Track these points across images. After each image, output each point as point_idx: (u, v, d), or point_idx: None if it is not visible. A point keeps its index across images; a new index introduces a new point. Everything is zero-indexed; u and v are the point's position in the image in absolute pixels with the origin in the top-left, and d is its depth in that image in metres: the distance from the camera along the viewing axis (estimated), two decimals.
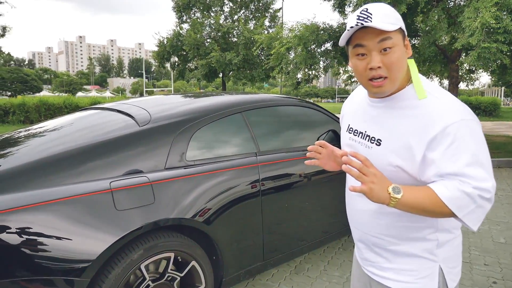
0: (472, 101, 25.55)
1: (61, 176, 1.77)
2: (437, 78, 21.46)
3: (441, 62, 11.60)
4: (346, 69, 11.33)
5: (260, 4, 19.51)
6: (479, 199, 0.95)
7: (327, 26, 9.93)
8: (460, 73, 11.66)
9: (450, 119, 0.98)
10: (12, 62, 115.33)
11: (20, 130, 2.60)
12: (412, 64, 1.10)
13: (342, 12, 10.11)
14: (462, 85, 18.02)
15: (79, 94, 67.73)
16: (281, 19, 19.63)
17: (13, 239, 1.56)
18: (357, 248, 1.35)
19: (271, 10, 19.73)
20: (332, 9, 10.64)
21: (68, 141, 1.99)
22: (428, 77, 23.24)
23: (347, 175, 1.29)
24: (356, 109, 1.26)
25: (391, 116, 1.11)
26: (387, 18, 1.01)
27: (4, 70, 58.56)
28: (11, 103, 17.33)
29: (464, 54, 9.47)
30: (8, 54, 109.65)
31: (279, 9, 19.85)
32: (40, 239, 1.61)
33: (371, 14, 1.00)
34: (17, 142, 2.21)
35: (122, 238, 1.77)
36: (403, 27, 1.06)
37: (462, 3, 8.47)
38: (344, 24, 10.56)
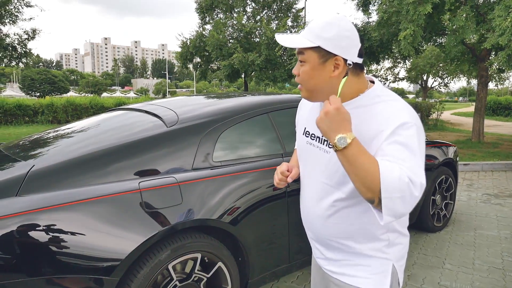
0: (501, 101, 24.67)
1: (90, 176, 1.80)
2: (465, 77, 20.84)
3: (469, 61, 11.25)
4: (370, 69, 11.13)
5: (283, 4, 19.43)
6: (407, 191, 0.93)
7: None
8: (489, 72, 11.26)
9: (400, 120, 1.03)
10: (40, 64, 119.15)
11: (49, 130, 2.66)
12: (341, 84, 1.10)
13: (366, 11, 9.95)
14: (491, 85, 17.40)
15: (104, 94, 69.38)
16: (303, 19, 19.49)
17: (44, 237, 1.59)
18: (314, 249, 1.39)
19: (293, 10, 19.62)
20: (356, 8, 10.50)
21: (97, 141, 2.03)
22: (455, 77, 22.62)
23: (301, 178, 1.39)
24: (312, 113, 1.30)
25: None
26: (308, 35, 1.09)
27: (34, 71, 60.61)
28: (40, 103, 17.89)
29: (493, 53, 9.15)
30: (37, 56, 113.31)
31: (302, 8, 19.72)
32: (70, 238, 1.63)
33: (306, 27, 1.14)
34: (48, 142, 2.26)
35: (150, 238, 1.78)
36: (330, 48, 1.07)
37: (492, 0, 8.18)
38: (369, 22, 10.40)
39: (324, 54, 1.07)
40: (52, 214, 1.62)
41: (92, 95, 57.01)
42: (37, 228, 1.58)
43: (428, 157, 3.72)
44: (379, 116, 1.06)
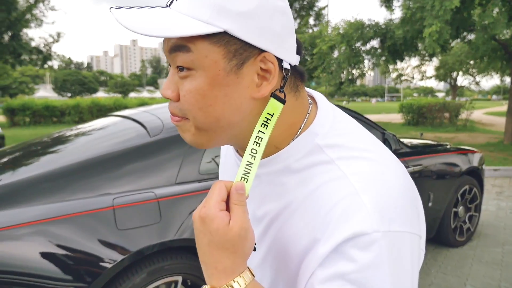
0: None
1: (59, 192, 1.66)
2: (498, 75, 19.84)
3: (502, 58, 10.62)
4: (395, 67, 10.72)
5: (305, 3, 19.12)
6: None
7: (373, 22, 9.42)
8: None
9: (355, 226, 0.49)
10: (72, 66, 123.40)
11: (29, 141, 2.55)
12: (272, 109, 0.54)
13: (389, 7, 9.55)
14: None
15: (132, 94, 70.95)
16: (326, 17, 19.12)
17: (6, 257, 1.46)
18: None
19: (316, 9, 19.28)
20: (380, 4, 10.12)
21: (71, 153, 1.90)
22: (487, 74, 21.52)
23: None
24: (227, 167, 0.77)
25: (263, 195, 0.62)
26: (199, 9, 0.49)
27: (65, 73, 62.73)
28: (67, 104, 18.36)
29: None
30: (69, 58, 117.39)
31: (325, 6, 19.35)
32: (33, 260, 1.50)
33: None
34: (22, 155, 2.15)
35: (121, 261, 1.62)
36: (251, 36, 0.51)
37: None
38: (392, 20, 10.00)
39: (237, 49, 0.51)
40: (15, 232, 1.49)
41: (120, 95, 58.52)
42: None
43: (450, 165, 3.41)
44: (315, 204, 0.54)
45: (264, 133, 0.53)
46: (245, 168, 0.53)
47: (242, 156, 0.63)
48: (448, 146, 3.70)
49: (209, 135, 0.56)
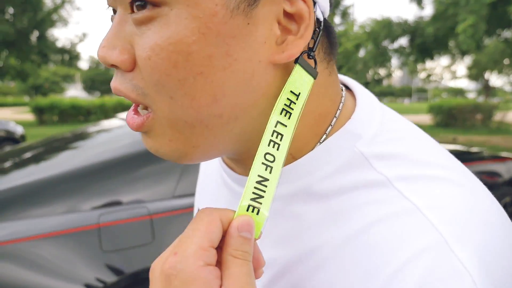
0: None
1: (43, 205, 1.48)
2: None
3: None
4: (424, 67, 10.28)
5: (331, 1, 18.79)
6: None
7: (402, 21, 9.02)
8: None
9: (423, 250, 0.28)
10: (102, 66, 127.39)
11: (22, 145, 2.40)
12: (298, 85, 0.31)
13: (419, 3, 9.12)
14: None
15: None
16: (352, 16, 18.68)
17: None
18: None
19: (341, 7, 18.87)
20: (409, 0, 9.70)
21: (58, 163, 1.73)
22: None
23: None
24: (207, 185, 0.52)
25: (267, 231, 0.37)
26: None
27: (94, 72, 64.56)
28: (93, 103, 18.79)
29: None
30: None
31: (350, 5, 18.92)
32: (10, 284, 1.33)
33: None
34: (11, 163, 2.00)
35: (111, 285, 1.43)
36: None
37: None
38: (422, 17, 9.54)
39: None
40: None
41: None
42: None
43: (487, 175, 3.08)
44: (366, 256, 0.31)
45: (285, 125, 0.30)
46: (256, 187, 0.29)
47: (232, 170, 0.39)
48: (484, 153, 3.36)
49: (195, 134, 0.31)
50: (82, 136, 2.19)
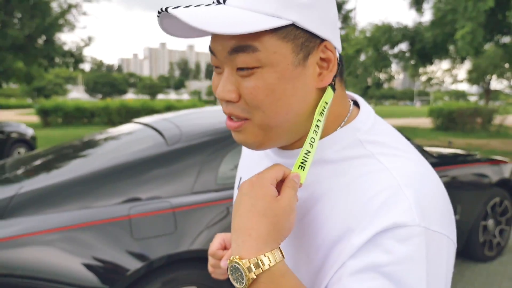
0: None
1: (77, 200, 1.69)
2: None
3: None
4: (424, 71, 10.43)
5: None
6: None
7: (401, 26, 9.20)
8: None
9: (393, 217, 0.47)
10: (103, 68, 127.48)
11: (50, 148, 2.61)
12: (328, 97, 0.55)
13: (419, 10, 9.31)
14: None
15: (161, 96, 72.45)
16: (353, 20, 18.85)
17: (21, 266, 1.50)
18: None
19: (343, 11, 19.05)
20: (409, 6, 9.88)
21: (89, 162, 1.94)
22: None
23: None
24: (251, 158, 0.76)
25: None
26: (259, 2, 0.48)
27: (96, 75, 64.84)
28: (97, 106, 18.91)
29: None
30: (100, 61, 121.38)
31: (352, 9, 19.09)
32: (49, 267, 1.53)
33: None
34: (43, 162, 2.21)
35: (136, 271, 1.63)
36: (315, 25, 0.51)
37: None
38: (421, 23, 9.73)
39: (303, 42, 0.51)
40: (26, 241, 1.53)
41: (148, 97, 59.87)
42: (15, 256, 1.50)
43: (479, 176, 3.27)
44: (352, 194, 0.52)
45: (321, 121, 0.54)
46: (304, 157, 0.53)
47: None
48: (477, 156, 3.55)
49: (273, 132, 0.54)
50: (107, 139, 2.41)
